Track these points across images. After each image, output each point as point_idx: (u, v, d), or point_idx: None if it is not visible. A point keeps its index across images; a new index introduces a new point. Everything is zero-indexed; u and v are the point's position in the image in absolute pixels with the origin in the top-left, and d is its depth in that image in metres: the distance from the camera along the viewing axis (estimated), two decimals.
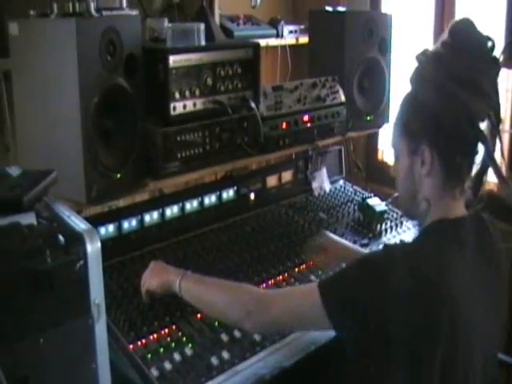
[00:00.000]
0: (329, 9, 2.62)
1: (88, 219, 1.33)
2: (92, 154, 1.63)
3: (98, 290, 1.26)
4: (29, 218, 1.24)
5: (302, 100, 2.33)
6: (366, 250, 2.05)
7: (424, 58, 1.44)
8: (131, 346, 1.61)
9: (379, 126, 2.65)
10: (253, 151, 2.12)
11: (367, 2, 3.23)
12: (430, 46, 1.46)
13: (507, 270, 2.17)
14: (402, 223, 2.43)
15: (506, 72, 2.67)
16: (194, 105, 1.93)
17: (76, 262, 1.20)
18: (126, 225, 1.93)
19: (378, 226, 2.38)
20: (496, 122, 1.41)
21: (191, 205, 2.12)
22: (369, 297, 1.33)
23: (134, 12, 1.95)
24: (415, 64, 1.46)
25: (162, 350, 1.63)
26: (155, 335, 1.66)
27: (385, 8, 3.22)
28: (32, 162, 1.69)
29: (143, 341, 1.64)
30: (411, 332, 1.30)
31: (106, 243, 1.81)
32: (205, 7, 2.17)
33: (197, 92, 1.93)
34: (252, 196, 2.34)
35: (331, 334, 1.61)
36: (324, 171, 2.60)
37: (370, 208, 2.43)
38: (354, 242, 2.21)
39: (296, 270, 2.04)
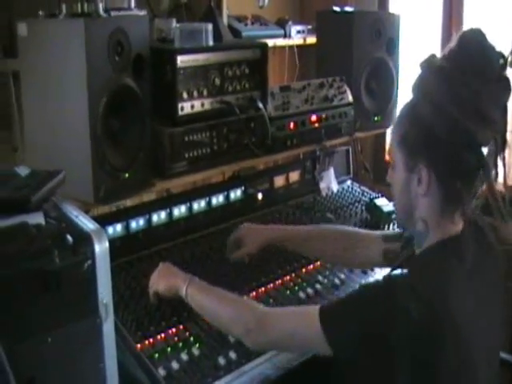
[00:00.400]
0: (336, 9, 2.62)
1: (96, 219, 1.33)
2: (100, 154, 1.63)
3: (105, 289, 1.26)
4: (37, 218, 1.25)
5: (309, 100, 2.33)
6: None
7: (428, 67, 1.37)
8: (139, 346, 1.61)
9: (387, 127, 2.64)
10: (260, 151, 2.12)
11: (375, 2, 3.23)
12: (438, 46, 1.41)
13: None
14: None
15: None
16: (202, 105, 1.93)
17: (84, 262, 1.20)
18: (133, 225, 1.93)
19: (386, 226, 2.38)
20: (501, 146, 1.36)
21: (199, 205, 2.12)
22: (370, 327, 1.32)
23: (142, 12, 1.95)
24: (418, 71, 1.40)
25: (169, 349, 1.63)
26: (162, 335, 1.67)
27: (392, 8, 3.21)
28: (40, 162, 1.70)
29: (150, 340, 1.64)
30: (415, 360, 1.29)
31: (114, 243, 1.81)
32: (212, 7, 2.17)
33: (204, 92, 1.93)
34: (259, 196, 2.34)
35: None
36: (331, 171, 2.60)
37: (378, 208, 2.42)
38: None
39: (303, 270, 2.05)
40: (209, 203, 2.15)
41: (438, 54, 1.40)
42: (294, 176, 2.50)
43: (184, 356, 1.62)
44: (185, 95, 1.87)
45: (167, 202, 2.06)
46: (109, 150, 1.67)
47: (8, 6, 2.09)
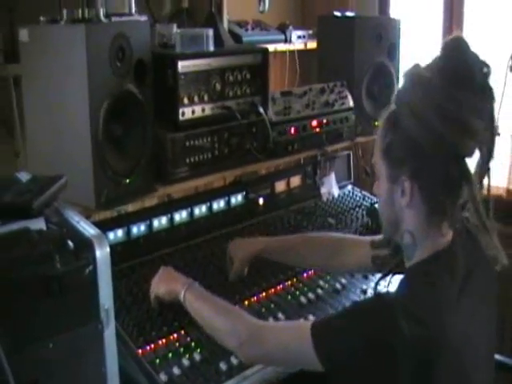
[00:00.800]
0: (337, 14, 2.63)
1: (97, 224, 1.34)
2: (101, 159, 1.64)
3: (107, 295, 1.26)
4: (38, 224, 1.25)
5: (310, 105, 2.34)
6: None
7: (411, 78, 1.36)
8: (140, 351, 1.61)
9: None
10: (261, 156, 2.12)
11: (376, 7, 3.23)
12: (439, 51, 1.38)
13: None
14: None
15: None
16: (203, 110, 1.93)
17: (85, 268, 1.21)
18: (134, 230, 1.93)
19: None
20: (487, 157, 1.33)
21: (200, 210, 2.12)
22: (361, 345, 1.30)
23: (143, 18, 1.96)
24: (402, 81, 1.38)
25: (170, 354, 1.63)
26: (164, 340, 1.67)
27: (393, 13, 3.21)
28: (41, 168, 1.70)
29: (152, 346, 1.64)
30: (408, 377, 1.27)
31: (115, 248, 1.81)
32: (213, 13, 2.17)
33: (205, 97, 1.93)
34: (261, 201, 2.34)
35: None
36: (332, 176, 2.60)
37: (379, 213, 2.42)
38: None
39: (304, 275, 2.04)
40: (210, 208, 2.15)
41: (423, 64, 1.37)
42: (295, 181, 2.50)
43: (185, 361, 1.62)
44: (186, 100, 1.87)
45: (168, 207, 2.06)
46: (110, 155, 1.67)
47: (9, 11, 2.09)
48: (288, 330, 1.49)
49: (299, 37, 3.02)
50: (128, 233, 1.92)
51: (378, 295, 1.42)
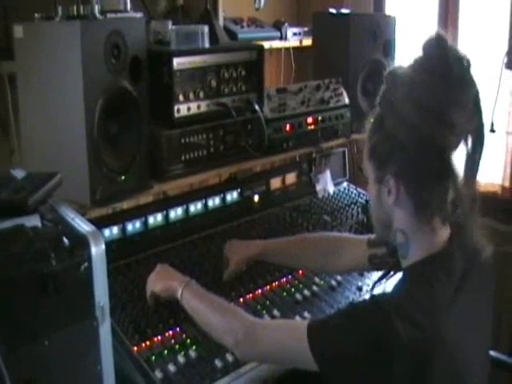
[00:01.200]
0: (333, 11, 2.63)
1: (92, 221, 1.33)
2: (96, 156, 1.63)
3: (102, 292, 1.26)
4: (33, 221, 1.25)
5: (305, 102, 2.34)
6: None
7: (391, 79, 1.37)
8: (135, 348, 1.61)
9: None
10: (257, 153, 2.12)
11: (371, 4, 3.23)
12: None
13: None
14: None
15: (510, 75, 2.66)
16: (199, 107, 1.93)
17: (81, 265, 1.21)
18: (130, 227, 1.93)
19: None
20: (473, 149, 1.33)
21: (195, 207, 2.12)
22: (356, 347, 1.30)
23: (139, 15, 1.95)
24: (384, 82, 1.39)
25: (166, 352, 1.63)
26: (159, 337, 1.67)
27: (389, 10, 3.21)
28: (37, 165, 1.70)
29: (147, 343, 1.64)
30: (403, 379, 1.27)
31: (111, 245, 1.81)
32: (209, 10, 2.17)
33: (201, 94, 1.93)
34: (256, 198, 2.34)
35: None
36: (328, 173, 2.61)
37: None
38: None
39: (300, 272, 2.05)
40: (205, 205, 2.15)
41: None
42: (291, 178, 2.50)
43: (181, 358, 1.62)
44: (181, 97, 1.87)
45: (164, 204, 2.05)
46: (105, 153, 1.67)
47: (4, 8, 2.09)
48: (284, 329, 1.49)
49: (295, 34, 3.02)
50: (123, 230, 1.92)
51: (374, 296, 1.42)
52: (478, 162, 1.35)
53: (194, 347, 1.66)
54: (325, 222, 2.38)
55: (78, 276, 1.21)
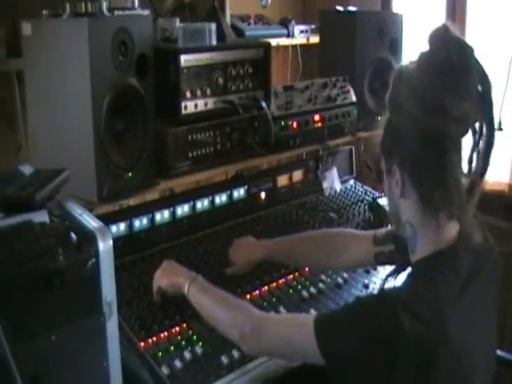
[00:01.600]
0: (339, 9, 2.62)
1: (99, 218, 1.34)
2: (103, 153, 1.64)
3: (109, 288, 1.27)
4: (41, 217, 1.25)
5: (312, 100, 2.33)
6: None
7: (397, 74, 1.38)
8: (142, 344, 1.61)
9: None
10: (263, 151, 2.12)
11: (378, 2, 3.22)
12: None
13: None
14: None
15: None
16: (205, 104, 1.93)
17: (88, 260, 1.21)
18: (136, 224, 1.93)
19: (389, 226, 2.37)
20: (478, 139, 1.33)
21: (202, 204, 2.12)
22: (363, 341, 1.30)
23: (146, 12, 1.96)
24: (391, 80, 1.40)
25: (172, 348, 1.64)
26: (166, 333, 1.67)
27: (396, 8, 3.21)
28: (44, 161, 1.70)
29: (154, 339, 1.64)
30: (409, 375, 1.27)
31: (117, 242, 1.81)
32: (216, 7, 2.17)
33: (208, 92, 1.93)
34: (263, 196, 2.34)
35: None
36: (334, 171, 2.60)
37: (381, 208, 2.42)
38: None
39: (306, 269, 2.04)
40: (212, 202, 2.15)
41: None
42: (297, 175, 2.50)
43: (187, 355, 1.62)
44: (188, 94, 1.87)
45: (170, 201, 2.06)
46: (112, 149, 1.67)
47: (12, 5, 2.09)
48: (291, 323, 1.49)
49: (301, 31, 3.02)
50: (130, 227, 1.92)
51: (381, 291, 1.42)
52: (486, 156, 1.35)
53: (200, 343, 1.66)
54: (331, 219, 2.38)
55: (85, 271, 1.21)
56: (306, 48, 3.11)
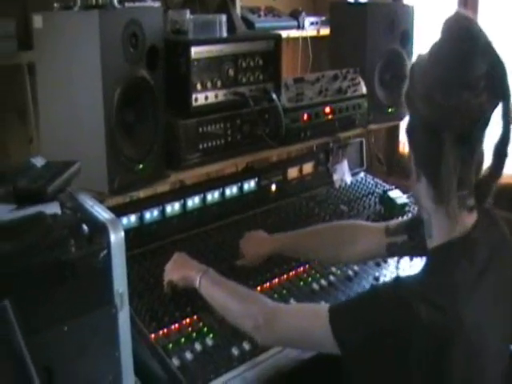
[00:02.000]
0: (350, 0, 2.61)
1: (110, 210, 1.34)
2: (114, 145, 1.64)
3: (121, 279, 1.27)
4: (53, 208, 1.26)
5: (323, 92, 2.33)
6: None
7: (416, 68, 1.39)
8: (153, 336, 1.62)
9: (400, 119, 2.63)
10: (274, 143, 2.12)
11: None
12: None
13: None
14: None
15: None
16: (216, 96, 1.93)
17: (100, 252, 1.21)
18: (147, 216, 1.94)
19: (399, 218, 2.37)
20: (483, 128, 1.32)
21: (212, 196, 2.13)
22: (378, 330, 1.30)
23: (156, 4, 1.95)
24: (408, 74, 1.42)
25: (183, 340, 1.64)
26: (177, 325, 1.68)
27: None
28: (55, 154, 1.70)
29: (165, 331, 1.65)
30: (424, 363, 1.27)
31: (128, 234, 1.81)
32: None
33: (218, 83, 1.93)
34: (273, 188, 2.34)
35: None
36: (345, 163, 2.60)
37: (391, 201, 2.42)
38: None
39: (317, 262, 2.04)
40: (222, 195, 2.16)
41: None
42: (308, 168, 2.50)
43: (198, 346, 1.63)
44: (199, 86, 1.87)
45: (181, 193, 2.06)
46: (123, 142, 1.67)
47: None
48: (305, 313, 1.49)
49: (312, 23, 3.01)
50: (140, 219, 1.93)
51: (396, 279, 1.43)
52: (501, 149, 1.34)
53: (210, 335, 1.67)
54: (341, 212, 2.38)
55: (96, 263, 1.21)
56: (316, 40, 3.09)
